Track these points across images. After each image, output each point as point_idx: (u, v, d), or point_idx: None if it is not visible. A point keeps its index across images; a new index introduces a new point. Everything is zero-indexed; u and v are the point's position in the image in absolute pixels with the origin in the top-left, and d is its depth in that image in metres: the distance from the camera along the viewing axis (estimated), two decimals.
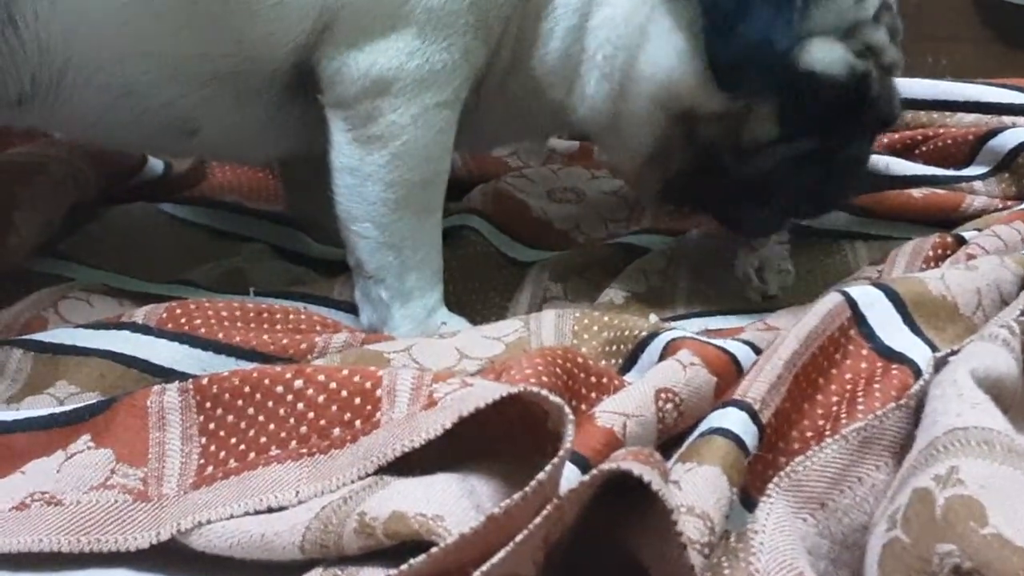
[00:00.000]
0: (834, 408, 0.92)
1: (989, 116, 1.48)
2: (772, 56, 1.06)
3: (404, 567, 0.72)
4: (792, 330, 0.95)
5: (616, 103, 1.13)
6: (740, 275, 1.22)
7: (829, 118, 1.10)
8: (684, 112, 1.10)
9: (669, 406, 0.90)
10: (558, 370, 0.91)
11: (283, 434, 0.87)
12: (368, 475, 0.83)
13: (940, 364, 0.88)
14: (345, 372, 0.89)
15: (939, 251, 1.19)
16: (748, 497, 0.85)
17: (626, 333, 1.03)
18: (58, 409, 0.93)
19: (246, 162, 1.43)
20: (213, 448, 0.88)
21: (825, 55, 1.08)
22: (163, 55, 1.07)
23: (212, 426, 0.89)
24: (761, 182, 1.12)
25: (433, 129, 1.09)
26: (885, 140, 1.47)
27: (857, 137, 1.14)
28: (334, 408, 0.87)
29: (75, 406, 0.92)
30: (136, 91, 1.08)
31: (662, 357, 0.98)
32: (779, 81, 1.07)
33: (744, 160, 1.11)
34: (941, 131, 1.48)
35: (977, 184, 1.39)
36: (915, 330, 0.98)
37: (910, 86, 1.49)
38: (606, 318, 1.06)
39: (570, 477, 0.80)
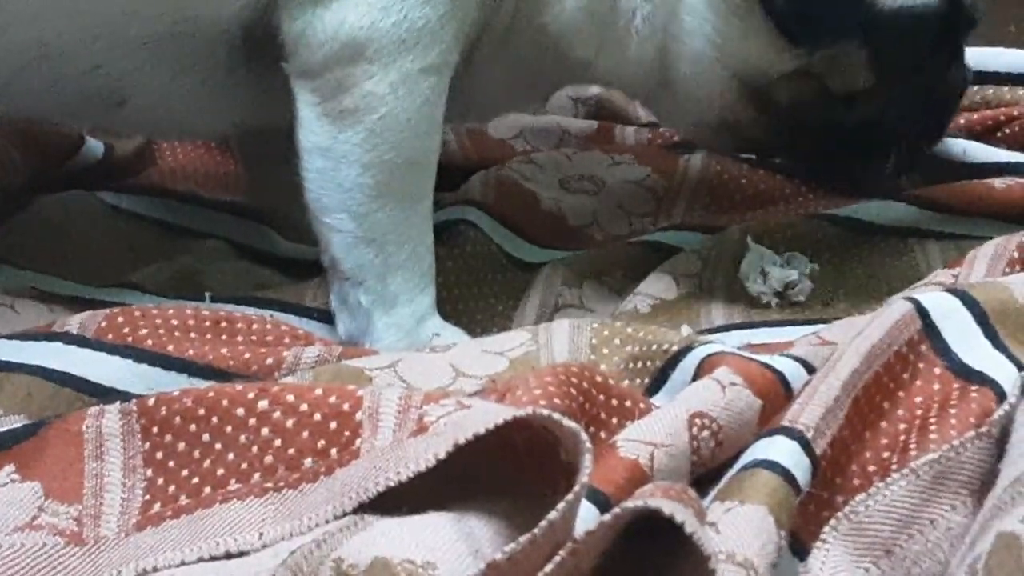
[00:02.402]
0: (902, 437, 0.92)
1: None
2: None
3: None
4: (851, 345, 0.95)
5: (665, 68, 1.14)
6: (742, 276, 1.25)
7: (927, 50, 1.12)
8: (749, 74, 1.11)
9: (705, 434, 0.89)
10: (573, 390, 0.90)
11: (244, 465, 0.87)
12: (346, 514, 0.83)
13: None
14: (319, 392, 0.89)
15: None
16: (799, 542, 0.85)
17: (653, 348, 1.03)
18: None
19: (188, 138, 1.43)
20: (161, 481, 0.88)
21: None
22: (84, 13, 1.07)
23: (160, 455, 0.89)
24: (863, 131, 1.13)
25: (417, 99, 1.10)
26: (962, 121, 1.47)
27: (957, 58, 1.16)
28: (305, 434, 0.87)
29: None
30: (53, 53, 1.08)
31: (696, 376, 0.98)
32: (863, 25, 1.08)
33: (839, 113, 1.13)
34: None
35: None
36: (998, 345, 0.98)
37: (991, 57, 1.49)
38: (629, 330, 1.06)
39: (587, 517, 0.80)
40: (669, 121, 1.23)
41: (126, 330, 1.05)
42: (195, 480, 0.87)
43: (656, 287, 1.24)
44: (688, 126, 1.20)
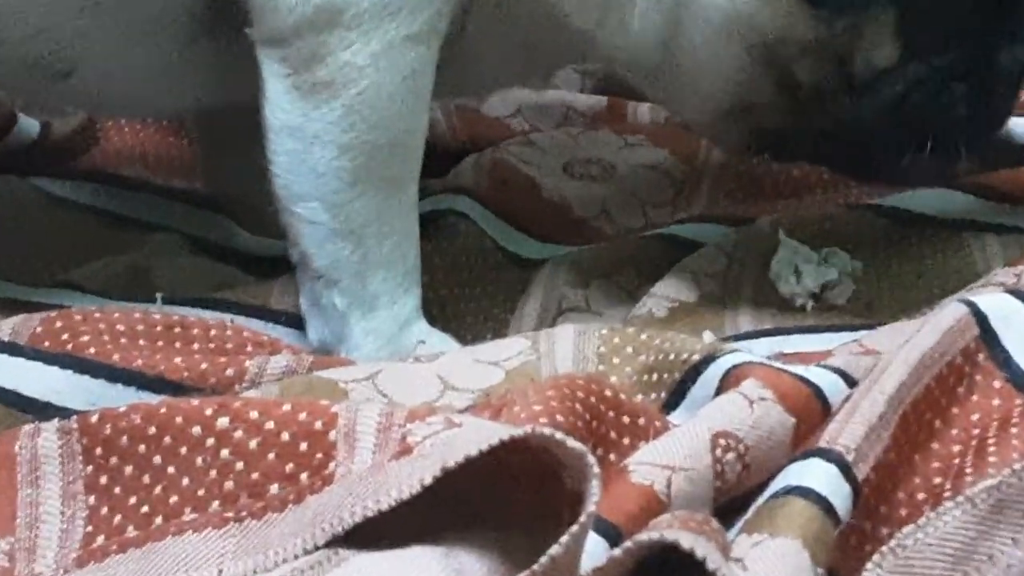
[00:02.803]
0: (956, 460, 0.92)
1: None
2: None
3: None
4: (899, 354, 0.95)
5: (672, 40, 1.14)
6: (772, 275, 1.25)
7: (968, 21, 1.12)
8: (767, 45, 1.11)
9: (730, 456, 0.89)
10: (578, 406, 0.91)
11: (201, 492, 0.87)
12: (318, 547, 0.83)
13: None
14: (287, 408, 0.89)
15: None
16: None
17: (671, 357, 1.03)
18: None
19: (141, 115, 1.43)
20: (105, 511, 0.88)
21: None
22: None
23: (104, 480, 0.89)
24: (890, 118, 1.13)
25: (401, 72, 1.10)
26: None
27: (1016, 37, 1.16)
28: (271, 456, 0.87)
29: None
30: None
31: (720, 390, 0.98)
32: None
33: (861, 95, 1.12)
34: None
35: None
36: None
37: None
38: (644, 337, 1.06)
39: (595, 552, 0.80)
40: (677, 106, 1.23)
41: (65, 336, 1.05)
42: (144, 509, 0.87)
43: (674, 288, 1.24)
44: (698, 113, 1.19)
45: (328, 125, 1.10)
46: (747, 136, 1.19)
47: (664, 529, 0.76)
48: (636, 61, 1.17)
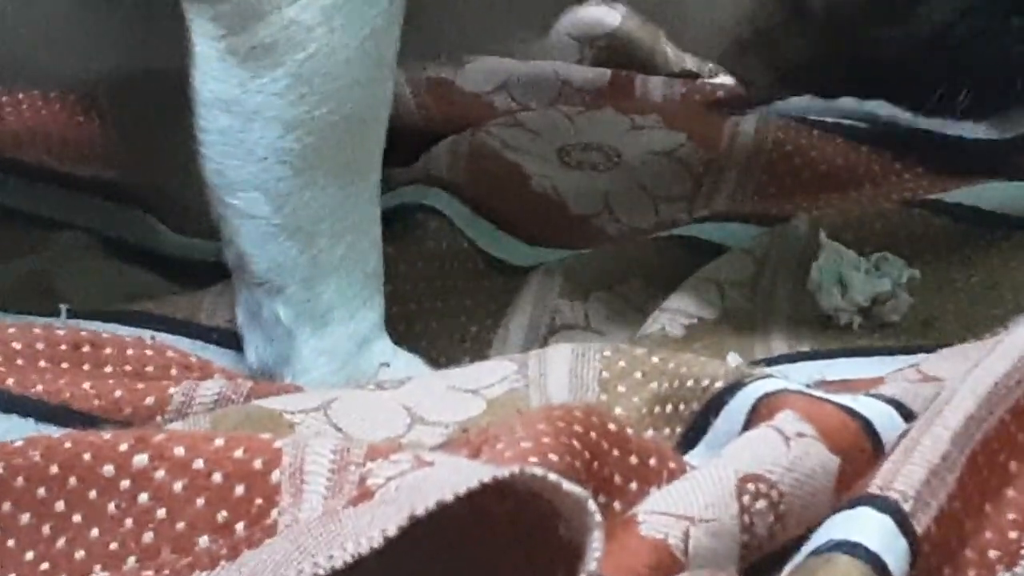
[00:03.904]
0: None
1: None
2: None
3: None
4: (965, 382, 0.95)
5: None
6: (812, 286, 1.25)
7: None
8: None
9: (761, 504, 0.89)
10: (576, 443, 0.90)
11: (115, 545, 0.87)
12: None
13: None
14: (219, 443, 0.89)
15: None
16: None
17: (689, 385, 1.03)
18: None
19: (42, 86, 1.43)
20: None
21: None
22: None
23: None
24: (934, 51, 1.14)
25: (361, 31, 1.10)
26: None
27: None
28: (200, 502, 0.87)
29: None
30: None
31: (748, 424, 0.98)
32: None
33: (899, 23, 1.13)
34: None
35: None
36: None
37: None
38: (655, 360, 1.06)
39: None
40: (690, 39, 1.24)
41: None
42: (44, 567, 0.87)
43: (692, 301, 1.24)
44: (714, 46, 1.20)
45: (271, 97, 1.10)
46: (772, 71, 1.19)
47: None
48: None
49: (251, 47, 1.10)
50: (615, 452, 0.93)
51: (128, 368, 1.09)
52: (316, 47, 1.10)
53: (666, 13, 1.21)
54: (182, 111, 1.13)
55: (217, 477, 0.87)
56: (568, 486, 0.79)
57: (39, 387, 1.02)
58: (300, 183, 1.12)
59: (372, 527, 0.81)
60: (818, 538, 0.87)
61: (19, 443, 0.90)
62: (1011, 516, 0.92)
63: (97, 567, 0.86)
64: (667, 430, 1.02)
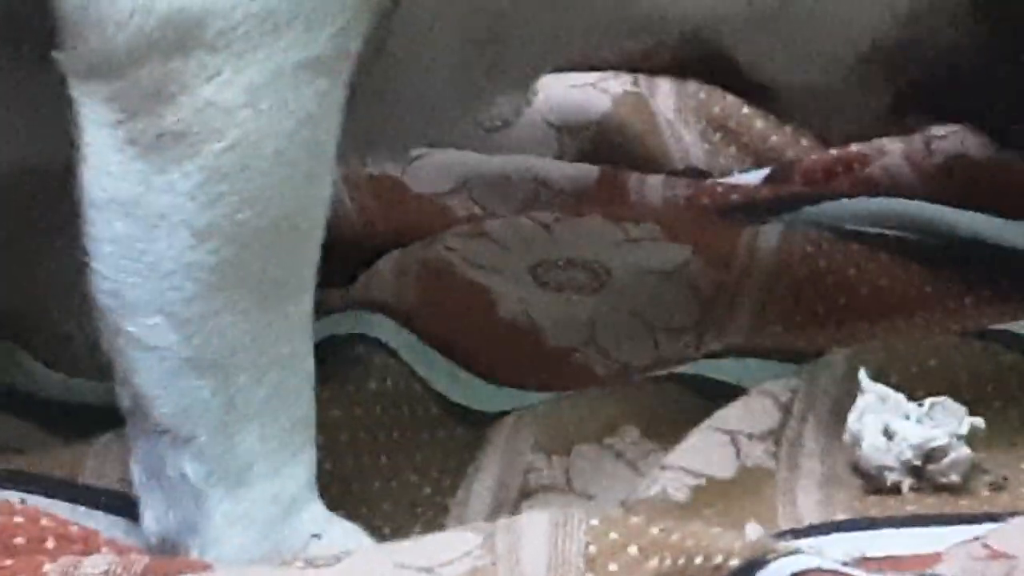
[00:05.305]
0: None
1: None
2: None
3: None
4: None
5: None
6: (850, 438, 1.26)
7: None
8: None
9: None
10: None
11: None
12: None
13: None
14: None
15: None
16: None
17: (697, 562, 1.04)
18: None
19: None
20: None
21: None
22: None
23: None
24: None
25: (293, 117, 1.11)
26: None
27: None
28: None
29: None
30: None
31: None
32: None
33: None
34: None
35: None
36: None
37: None
38: (655, 531, 1.06)
39: None
40: (788, 63, 1.24)
41: None
42: None
43: (701, 456, 1.25)
44: (824, 68, 1.20)
45: (180, 198, 1.11)
46: (890, 88, 1.20)
47: None
48: (718, 7, 1.19)
49: (156, 135, 1.11)
50: None
51: None
52: (237, 135, 1.10)
53: (763, 31, 1.20)
54: (65, 217, 1.14)
55: None
56: None
57: None
58: (214, 306, 1.12)
59: None
60: None
61: None
62: None
63: None
64: None
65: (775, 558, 1.02)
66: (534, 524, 1.08)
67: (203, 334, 1.12)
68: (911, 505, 1.23)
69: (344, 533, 1.16)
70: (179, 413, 1.14)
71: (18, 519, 1.10)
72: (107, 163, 1.12)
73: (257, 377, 1.14)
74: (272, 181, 1.12)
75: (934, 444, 1.24)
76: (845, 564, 1.04)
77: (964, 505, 1.23)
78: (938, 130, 1.64)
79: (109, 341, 1.14)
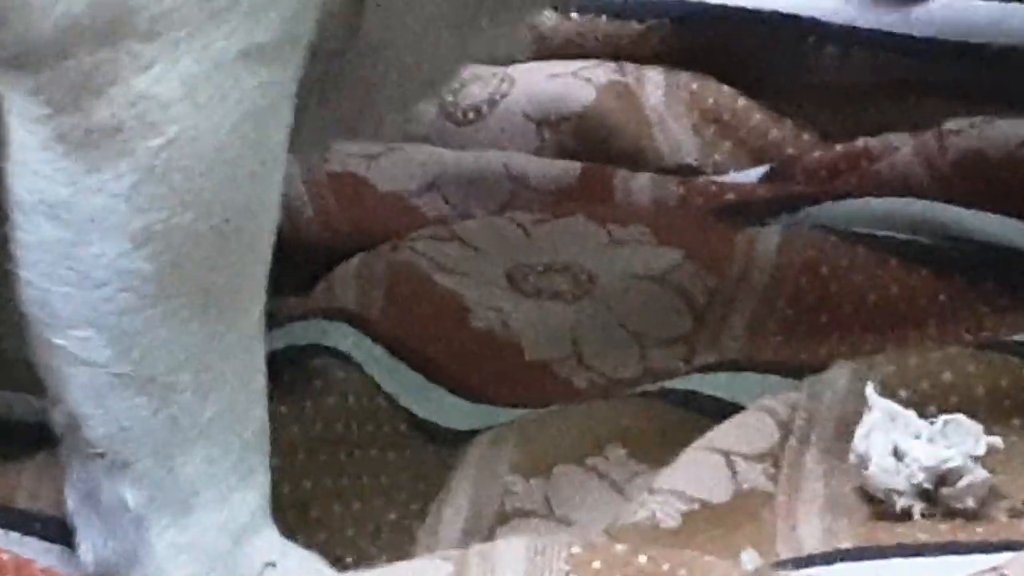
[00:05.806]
0: None
1: None
2: None
3: None
4: None
5: None
6: (855, 459, 1.26)
7: None
8: None
9: None
10: None
11: None
12: None
13: None
14: None
15: None
16: None
17: None
18: None
19: None
20: None
21: None
22: None
23: None
24: None
25: (236, 110, 1.11)
26: None
27: None
28: None
29: None
30: None
31: None
32: None
33: None
34: None
35: None
36: None
37: None
38: (642, 560, 1.07)
39: None
40: None
41: None
42: None
43: (692, 479, 1.25)
44: None
45: (113, 199, 1.11)
46: None
47: None
48: None
49: (85, 131, 1.11)
50: None
51: None
52: (174, 131, 1.10)
53: None
54: None
55: None
56: None
57: None
58: (152, 318, 1.12)
59: None
60: None
61: None
62: None
63: None
64: None
65: None
66: (510, 551, 1.09)
67: (140, 348, 1.12)
68: (922, 532, 1.23)
69: (301, 562, 1.16)
70: (116, 434, 1.13)
71: None
72: (34, 162, 1.12)
73: (202, 395, 1.14)
74: (213, 181, 1.11)
75: (948, 466, 1.25)
76: None
77: (980, 532, 1.23)
78: (952, 125, 1.65)
79: (39, 355, 1.14)
